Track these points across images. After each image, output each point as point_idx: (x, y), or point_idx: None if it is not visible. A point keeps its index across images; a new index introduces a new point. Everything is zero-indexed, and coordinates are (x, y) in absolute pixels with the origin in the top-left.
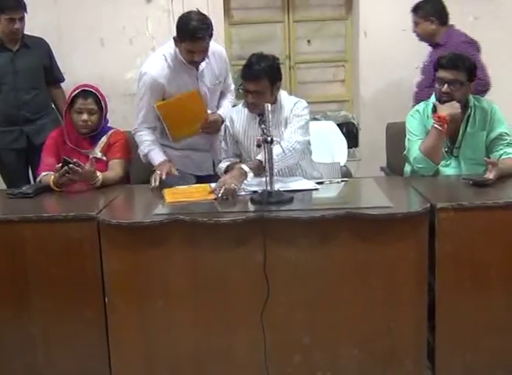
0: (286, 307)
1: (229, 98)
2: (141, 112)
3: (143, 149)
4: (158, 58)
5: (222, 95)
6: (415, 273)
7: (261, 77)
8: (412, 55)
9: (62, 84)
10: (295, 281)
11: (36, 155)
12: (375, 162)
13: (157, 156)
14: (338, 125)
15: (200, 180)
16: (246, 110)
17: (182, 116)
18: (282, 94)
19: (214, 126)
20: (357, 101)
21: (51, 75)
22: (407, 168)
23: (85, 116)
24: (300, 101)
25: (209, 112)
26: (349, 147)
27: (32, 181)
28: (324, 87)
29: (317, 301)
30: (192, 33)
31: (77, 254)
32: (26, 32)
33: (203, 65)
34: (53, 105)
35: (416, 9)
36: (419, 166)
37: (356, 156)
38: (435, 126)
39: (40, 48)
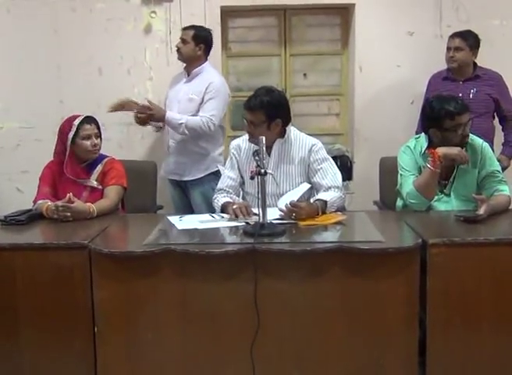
0: (276, 340)
1: (197, 118)
2: None
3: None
4: None
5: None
6: (406, 308)
7: (255, 109)
8: (406, 91)
9: (59, 111)
10: (286, 314)
11: None
12: (369, 196)
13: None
14: (332, 158)
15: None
16: None
17: None
18: (293, 131)
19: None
20: (352, 134)
21: None
22: (399, 202)
23: (94, 140)
24: (316, 143)
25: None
26: (343, 180)
27: None
28: (319, 120)
29: (307, 335)
30: None
31: (68, 282)
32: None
33: (193, 75)
34: None
35: (465, 35)
36: (412, 201)
37: (349, 189)
38: (428, 165)
39: None
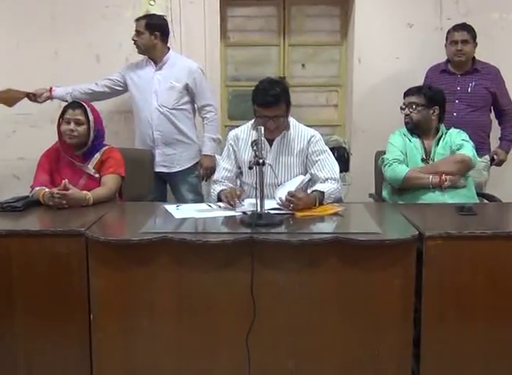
0: (272, 330)
1: (208, 129)
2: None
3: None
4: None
5: (204, 119)
6: (401, 299)
7: (280, 101)
8: (405, 83)
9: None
10: (282, 304)
11: None
12: (365, 188)
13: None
14: (329, 149)
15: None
16: (254, 133)
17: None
18: (293, 122)
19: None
20: (350, 126)
21: None
22: (384, 191)
23: (72, 126)
24: (315, 134)
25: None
26: (339, 171)
27: None
28: (317, 111)
29: (303, 325)
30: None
31: (64, 270)
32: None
33: (163, 63)
34: None
35: (468, 28)
36: (392, 173)
37: (346, 181)
38: (432, 180)
39: None
